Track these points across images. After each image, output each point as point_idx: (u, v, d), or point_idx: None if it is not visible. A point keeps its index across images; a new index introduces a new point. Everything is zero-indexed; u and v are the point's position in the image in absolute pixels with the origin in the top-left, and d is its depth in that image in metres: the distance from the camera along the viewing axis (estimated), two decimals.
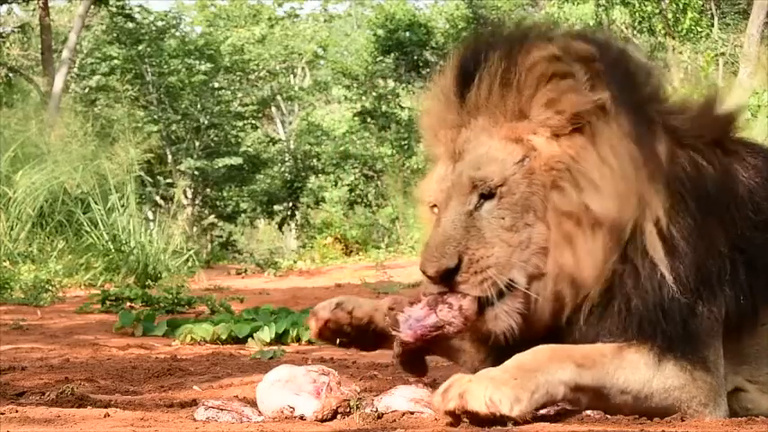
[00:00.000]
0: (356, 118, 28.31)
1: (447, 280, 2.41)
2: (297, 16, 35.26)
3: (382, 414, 2.31)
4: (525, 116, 2.49)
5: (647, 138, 2.48)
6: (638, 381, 2.39)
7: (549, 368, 2.31)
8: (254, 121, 31.00)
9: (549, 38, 2.54)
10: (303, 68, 34.39)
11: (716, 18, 20.08)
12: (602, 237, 2.40)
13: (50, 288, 9.13)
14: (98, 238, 11.70)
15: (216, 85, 28.38)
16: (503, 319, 2.41)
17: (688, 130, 2.58)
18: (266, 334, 5.66)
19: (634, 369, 2.39)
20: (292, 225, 31.25)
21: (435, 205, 2.59)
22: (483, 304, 2.40)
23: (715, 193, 2.51)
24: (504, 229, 2.43)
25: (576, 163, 2.43)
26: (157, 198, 26.51)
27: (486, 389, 2.20)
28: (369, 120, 27.84)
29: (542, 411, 2.34)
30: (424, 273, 2.44)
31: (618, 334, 2.42)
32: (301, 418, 2.37)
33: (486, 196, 2.46)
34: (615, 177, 2.42)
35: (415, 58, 27.12)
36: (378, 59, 27.46)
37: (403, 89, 28.06)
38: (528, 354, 2.35)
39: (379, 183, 26.53)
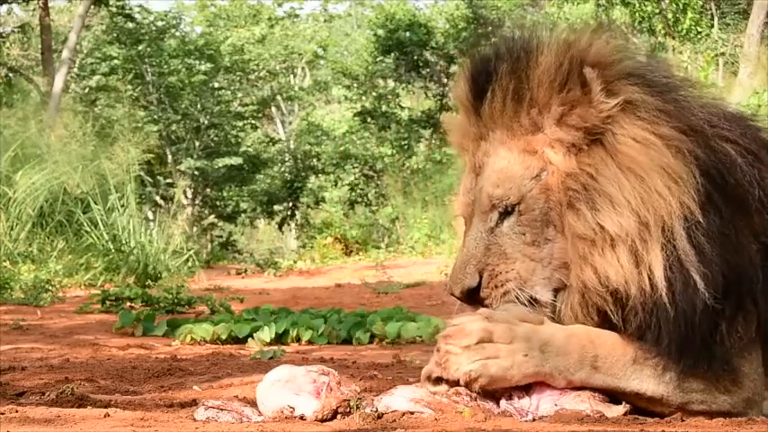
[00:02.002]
0: (356, 118, 28.28)
1: (472, 298, 2.48)
2: (297, 16, 35.25)
3: (382, 414, 2.31)
4: (540, 129, 2.48)
5: (673, 135, 2.42)
6: (656, 392, 2.39)
7: (568, 360, 2.36)
8: (254, 121, 30.97)
9: (558, 44, 2.49)
10: (303, 68, 34.38)
11: (716, 18, 20.07)
12: (624, 249, 2.36)
13: (50, 288, 9.14)
14: (98, 238, 11.70)
15: (216, 85, 28.36)
16: None
17: (718, 122, 2.50)
18: (266, 334, 5.66)
19: (653, 381, 2.39)
20: (292, 225, 31.24)
21: (464, 217, 2.63)
22: None
23: (745, 193, 2.45)
24: (526, 244, 2.46)
25: (594, 180, 2.41)
26: (157, 198, 26.50)
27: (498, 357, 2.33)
28: (369, 120, 27.81)
29: (542, 412, 2.34)
30: (452, 294, 2.51)
31: (649, 345, 2.39)
32: (301, 418, 2.37)
33: (505, 213, 2.48)
34: (637, 183, 2.38)
35: (415, 58, 27.09)
36: (378, 59, 27.44)
37: (403, 89, 28.04)
38: (560, 332, 2.39)
39: (379, 183, 26.51)
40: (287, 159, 31.02)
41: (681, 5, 19.72)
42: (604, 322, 2.42)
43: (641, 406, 2.40)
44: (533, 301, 2.43)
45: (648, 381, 2.39)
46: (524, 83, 2.47)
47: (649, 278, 2.35)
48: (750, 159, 2.48)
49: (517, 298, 2.43)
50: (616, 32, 2.59)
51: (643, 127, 2.42)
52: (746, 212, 2.44)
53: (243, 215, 30.95)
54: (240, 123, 29.68)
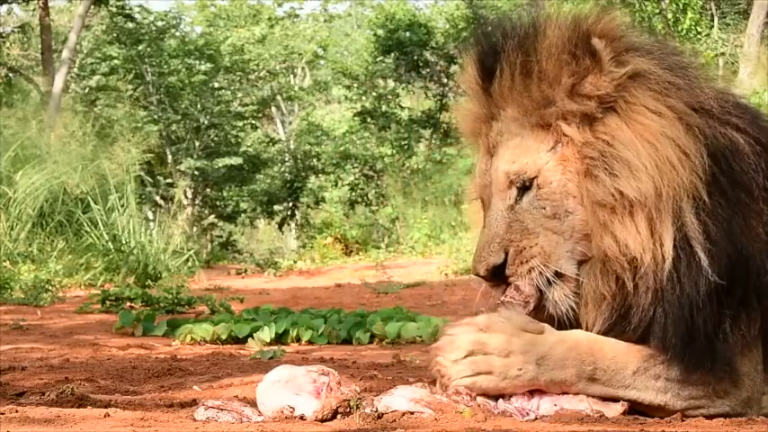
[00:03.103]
0: (356, 118, 28.27)
1: (498, 276, 2.46)
2: (297, 16, 35.25)
3: (382, 414, 2.31)
4: (552, 102, 2.45)
5: (683, 109, 2.41)
6: (654, 401, 2.38)
7: (565, 373, 2.34)
8: (254, 121, 30.98)
9: (565, 19, 2.49)
10: (303, 68, 34.38)
11: (716, 18, 20.06)
12: (642, 216, 2.35)
13: (50, 288, 9.13)
14: (98, 238, 11.70)
15: (216, 85, 28.36)
16: (560, 303, 2.43)
17: (729, 109, 2.49)
18: (266, 334, 5.66)
19: (652, 392, 2.38)
20: (292, 225, 31.24)
21: (481, 199, 2.61)
22: (542, 291, 2.44)
23: (750, 181, 2.42)
24: (547, 217, 2.44)
25: (610, 147, 2.40)
26: (157, 198, 26.50)
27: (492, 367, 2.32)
28: (369, 120, 27.81)
29: (542, 411, 2.34)
30: (477, 274, 2.48)
31: (656, 337, 2.37)
32: (301, 418, 2.36)
33: (524, 189, 2.47)
34: (651, 150, 2.37)
35: (415, 58, 27.08)
36: (378, 59, 27.43)
37: (403, 89, 28.03)
38: (559, 345, 2.36)
39: (379, 183, 26.51)
40: (287, 159, 31.02)
41: (681, 5, 19.71)
42: (620, 291, 2.39)
43: (640, 410, 2.40)
44: (559, 274, 2.42)
45: (647, 391, 2.38)
46: (533, 57, 2.46)
47: (661, 249, 2.34)
48: (758, 149, 2.46)
49: (541, 274, 2.41)
50: (623, 12, 2.57)
51: (654, 97, 2.41)
52: (753, 200, 2.42)
53: (243, 215, 30.95)
54: (240, 123, 29.68)
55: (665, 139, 2.37)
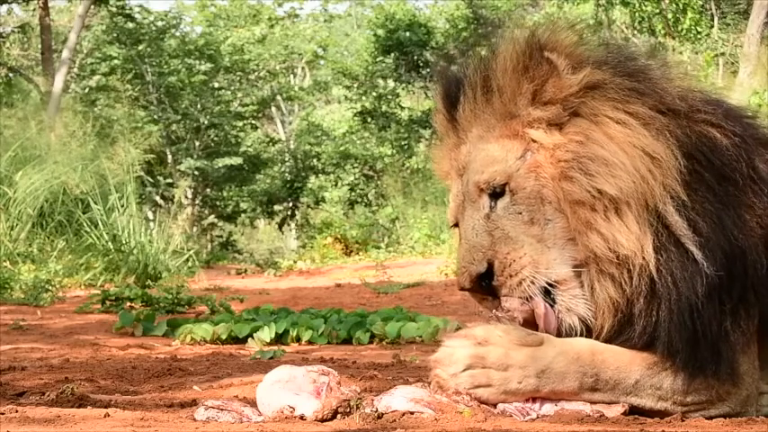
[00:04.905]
0: (356, 118, 28.30)
1: (485, 288, 2.40)
2: (297, 16, 35.27)
3: (382, 414, 2.31)
4: (516, 113, 2.45)
5: (648, 113, 2.38)
6: (655, 407, 2.38)
7: (565, 385, 2.33)
8: (254, 121, 31.00)
9: (519, 36, 2.49)
10: (303, 68, 34.40)
11: (716, 18, 20.07)
12: (629, 213, 2.32)
13: (50, 288, 9.13)
14: (98, 238, 11.70)
15: (216, 85, 28.38)
16: (574, 308, 2.38)
17: (700, 106, 2.46)
18: (266, 334, 5.66)
19: (653, 399, 2.37)
20: (292, 225, 31.25)
21: (456, 224, 2.58)
22: (548, 306, 2.37)
23: (734, 173, 2.39)
24: (526, 224, 2.39)
25: (584, 147, 2.37)
26: (157, 198, 26.51)
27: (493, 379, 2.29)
28: (369, 120, 27.83)
29: (542, 411, 2.34)
30: (462, 288, 2.42)
31: (661, 343, 2.34)
32: (301, 418, 2.36)
33: (496, 195, 2.43)
34: (627, 148, 2.34)
35: (415, 58, 27.10)
36: (378, 59, 27.45)
37: (403, 89, 28.05)
38: (561, 357, 2.32)
39: (379, 183, 26.52)
40: (287, 159, 31.04)
41: (681, 5, 19.72)
42: (621, 295, 2.35)
43: (639, 412, 2.40)
44: (550, 286, 2.37)
45: (648, 398, 2.37)
46: (490, 74, 2.47)
47: (645, 253, 2.31)
48: (736, 141, 2.43)
49: (533, 283, 2.35)
50: (579, 28, 2.56)
51: (615, 107, 2.39)
52: (742, 192, 2.39)
53: (243, 215, 30.98)
54: (240, 123, 29.70)
55: (632, 149, 2.34)
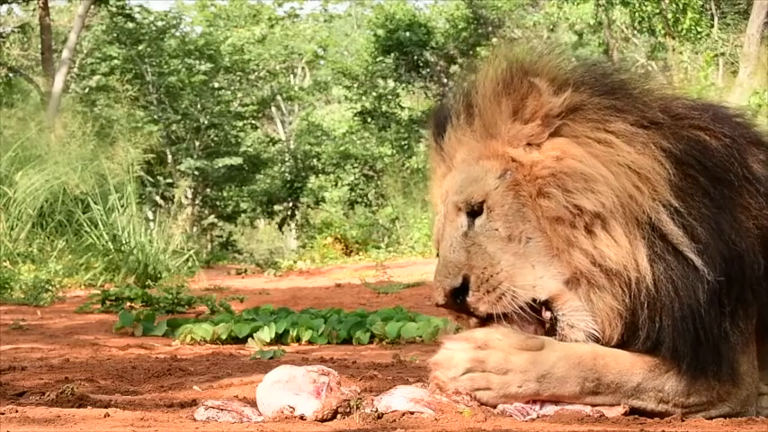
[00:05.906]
0: (356, 118, 28.31)
1: (460, 304, 2.36)
2: (297, 16, 35.28)
3: (382, 414, 2.31)
4: (497, 134, 2.45)
5: (630, 129, 2.37)
6: (655, 410, 2.37)
7: (566, 389, 2.32)
8: (254, 121, 31.01)
9: (497, 61, 2.49)
10: (303, 68, 34.40)
11: (716, 18, 20.07)
12: (617, 227, 2.30)
13: (50, 288, 9.13)
14: (98, 238, 11.71)
15: (216, 85, 28.39)
16: (577, 324, 2.35)
17: (685, 113, 2.45)
18: (266, 334, 5.66)
19: (654, 402, 2.37)
20: (292, 225, 31.26)
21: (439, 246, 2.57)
22: (552, 325, 2.35)
23: (727, 173, 2.37)
24: (503, 240, 2.37)
25: (561, 162, 2.35)
26: (157, 198, 26.52)
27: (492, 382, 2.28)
28: (369, 120, 27.85)
29: (543, 411, 2.34)
30: (437, 305, 2.39)
31: (666, 347, 2.33)
32: (301, 418, 2.36)
33: (474, 214, 2.42)
34: (611, 166, 2.32)
35: (415, 58, 27.12)
36: (378, 59, 27.46)
37: (403, 89, 28.07)
38: (562, 362, 2.31)
39: (379, 183, 26.53)
40: (287, 159, 31.05)
41: (681, 5, 19.72)
42: (620, 305, 2.33)
43: (640, 413, 2.40)
44: (533, 302, 2.34)
45: (650, 400, 2.37)
46: (473, 99, 2.49)
47: (639, 266, 2.29)
48: (727, 142, 2.42)
49: (515, 298, 2.32)
50: (557, 51, 2.56)
51: (596, 127, 2.38)
52: (737, 194, 2.38)
53: (243, 215, 30.99)
54: (240, 123, 29.71)
55: (616, 167, 2.33)
